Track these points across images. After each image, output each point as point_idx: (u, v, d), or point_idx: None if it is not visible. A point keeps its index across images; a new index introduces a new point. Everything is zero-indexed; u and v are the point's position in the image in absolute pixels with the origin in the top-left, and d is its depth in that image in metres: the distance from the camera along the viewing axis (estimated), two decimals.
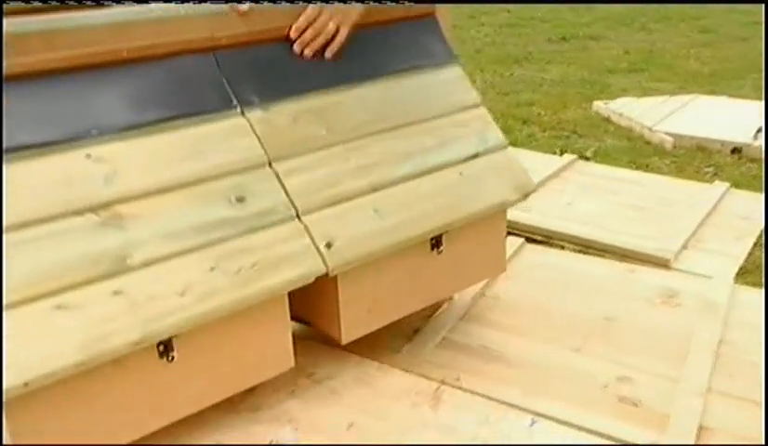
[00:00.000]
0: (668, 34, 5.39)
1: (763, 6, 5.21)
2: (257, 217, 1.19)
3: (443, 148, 1.43)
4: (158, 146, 1.16)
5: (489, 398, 1.35)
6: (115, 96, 1.15)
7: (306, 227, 1.22)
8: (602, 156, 2.84)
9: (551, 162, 2.67)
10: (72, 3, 1.20)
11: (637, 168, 2.71)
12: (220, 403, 1.22)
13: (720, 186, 2.44)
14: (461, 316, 1.65)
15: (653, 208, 2.28)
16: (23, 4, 1.19)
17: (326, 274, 1.22)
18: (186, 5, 1.23)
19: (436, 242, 1.40)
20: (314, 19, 1.32)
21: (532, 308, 1.70)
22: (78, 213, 1.06)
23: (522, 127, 3.23)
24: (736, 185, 2.48)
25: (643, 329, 1.61)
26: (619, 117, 3.27)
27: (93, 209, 1.07)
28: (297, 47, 1.33)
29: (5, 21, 1.06)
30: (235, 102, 1.25)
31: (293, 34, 1.33)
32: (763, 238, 2.07)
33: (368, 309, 1.35)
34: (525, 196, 1.50)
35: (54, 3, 1.20)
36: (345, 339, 1.34)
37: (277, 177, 1.23)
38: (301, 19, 1.32)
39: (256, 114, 1.26)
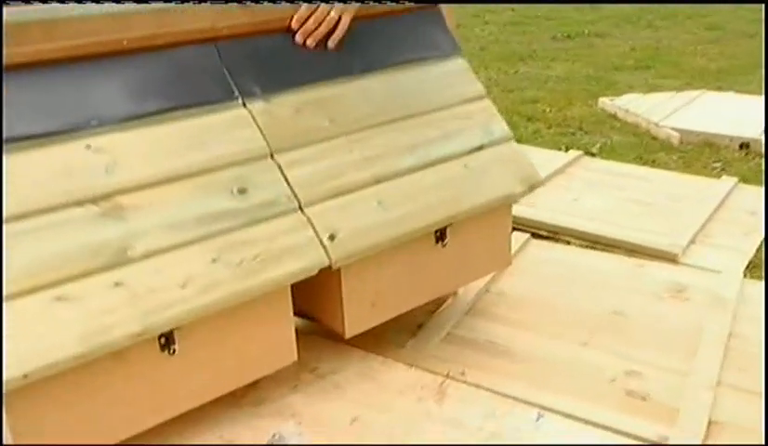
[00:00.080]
0: (675, 32, 5.35)
1: (763, 6, 5.17)
2: (259, 209, 1.17)
3: (447, 140, 1.41)
4: (159, 137, 1.15)
5: (495, 392, 1.33)
6: (116, 86, 1.14)
7: (309, 219, 1.21)
8: (609, 152, 2.82)
9: (557, 158, 2.65)
10: None
11: (644, 164, 2.68)
12: (223, 397, 1.21)
13: (728, 181, 2.42)
14: (466, 311, 1.63)
15: (660, 203, 2.26)
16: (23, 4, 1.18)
17: (329, 266, 1.20)
18: None
19: (441, 236, 1.38)
20: (316, 9, 1.32)
21: (538, 303, 1.68)
22: (78, 203, 1.05)
23: (527, 124, 3.21)
24: (744, 180, 2.45)
25: (652, 323, 1.59)
26: (625, 113, 3.24)
27: (93, 200, 1.06)
28: (299, 37, 1.32)
29: (4, 10, 1.05)
30: (237, 93, 1.24)
31: (295, 25, 1.32)
32: (763, 234, 2.04)
33: (372, 303, 1.34)
34: (531, 188, 1.48)
35: None
36: (349, 333, 1.33)
37: (279, 168, 1.22)
38: (303, 8, 1.32)
39: (257, 105, 1.25)
